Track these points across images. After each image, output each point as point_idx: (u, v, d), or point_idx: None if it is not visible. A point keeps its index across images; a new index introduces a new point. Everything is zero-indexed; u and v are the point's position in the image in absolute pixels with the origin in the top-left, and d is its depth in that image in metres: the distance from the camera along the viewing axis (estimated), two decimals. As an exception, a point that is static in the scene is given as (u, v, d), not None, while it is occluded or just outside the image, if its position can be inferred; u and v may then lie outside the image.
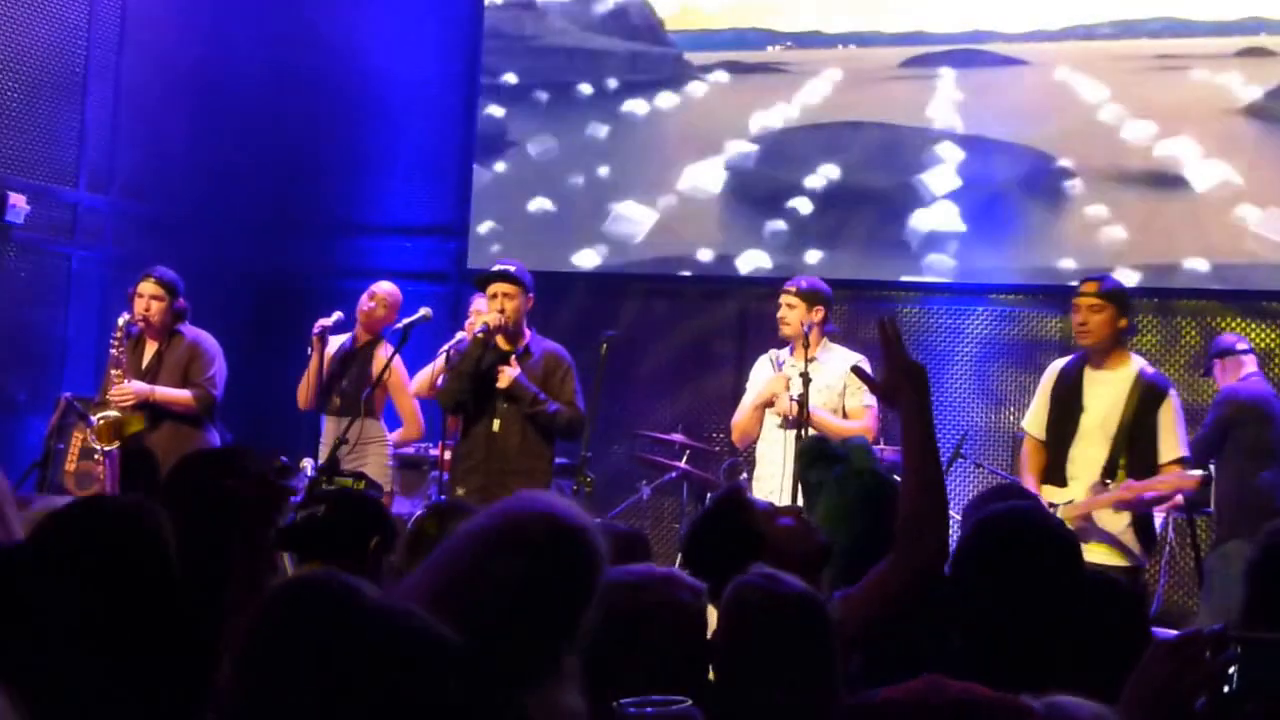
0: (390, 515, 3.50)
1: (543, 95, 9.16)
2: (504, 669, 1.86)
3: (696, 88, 8.86)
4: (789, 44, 8.68)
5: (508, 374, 6.02)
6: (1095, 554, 4.96)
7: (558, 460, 6.38)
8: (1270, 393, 6.40)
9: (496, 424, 6.07)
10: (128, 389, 6.39)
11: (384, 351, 6.71)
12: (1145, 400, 5.31)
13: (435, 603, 1.83)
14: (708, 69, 8.83)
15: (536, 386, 6.06)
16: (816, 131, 8.46)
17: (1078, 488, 5.31)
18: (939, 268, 8.06)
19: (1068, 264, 7.68)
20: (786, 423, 5.81)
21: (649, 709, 2.02)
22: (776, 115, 8.56)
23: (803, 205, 8.39)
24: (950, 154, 8.08)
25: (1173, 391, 5.40)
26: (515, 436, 6.06)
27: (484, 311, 6.28)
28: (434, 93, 9.35)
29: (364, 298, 6.90)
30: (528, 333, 6.23)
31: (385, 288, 6.95)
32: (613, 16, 9.14)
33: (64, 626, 2.07)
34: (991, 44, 8.13)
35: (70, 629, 2.08)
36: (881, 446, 6.17)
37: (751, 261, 8.46)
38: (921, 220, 8.10)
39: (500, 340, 6.11)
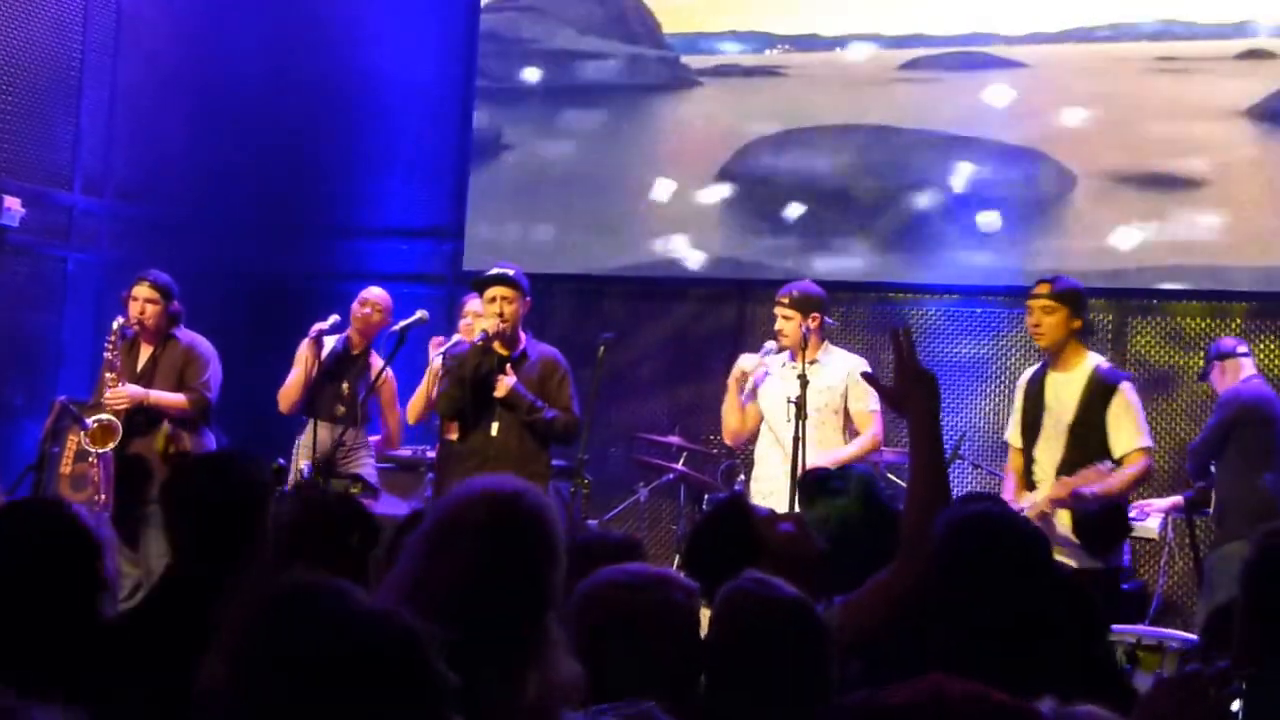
0: (369, 512, 3.53)
1: (539, 98, 9.14)
2: (487, 652, 1.96)
3: (694, 91, 8.84)
4: (787, 47, 8.67)
5: (505, 383, 6.01)
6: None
7: (555, 463, 6.37)
8: (1272, 395, 6.39)
9: (495, 428, 6.06)
10: (122, 392, 6.37)
11: (376, 360, 6.72)
12: (1094, 396, 5.28)
13: (408, 602, 1.88)
14: (705, 72, 8.82)
15: (533, 391, 6.05)
16: (815, 134, 8.44)
17: (1044, 490, 5.25)
18: (938, 269, 8.05)
19: (1067, 266, 7.65)
20: (790, 412, 5.71)
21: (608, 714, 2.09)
22: (775, 118, 8.54)
23: (801, 208, 8.37)
24: (949, 156, 8.06)
25: (1125, 384, 5.33)
26: (513, 441, 6.05)
27: (478, 312, 6.26)
28: (431, 95, 9.35)
29: (356, 304, 6.86)
30: (524, 336, 6.20)
31: (376, 293, 6.93)
32: (610, 20, 9.13)
33: None
34: (991, 46, 8.12)
35: None
36: (882, 448, 6.16)
37: (749, 264, 8.44)
38: (921, 222, 8.08)
39: (497, 344, 6.09)
